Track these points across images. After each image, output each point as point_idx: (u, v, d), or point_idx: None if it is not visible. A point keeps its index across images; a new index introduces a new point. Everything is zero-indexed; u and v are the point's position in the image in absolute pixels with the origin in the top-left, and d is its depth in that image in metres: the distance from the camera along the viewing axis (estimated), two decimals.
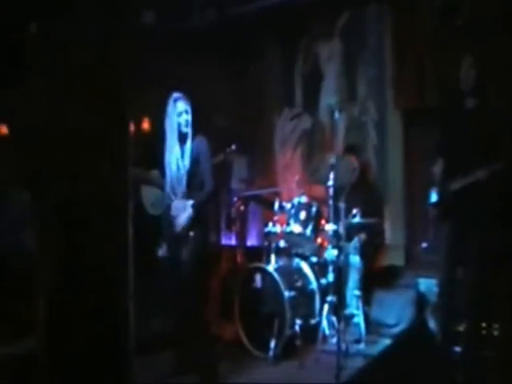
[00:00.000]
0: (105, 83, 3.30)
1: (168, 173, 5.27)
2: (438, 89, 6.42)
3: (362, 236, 6.20)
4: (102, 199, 3.26)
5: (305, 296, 5.97)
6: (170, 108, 5.20)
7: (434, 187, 5.28)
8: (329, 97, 7.42)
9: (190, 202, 5.13)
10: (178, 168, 5.20)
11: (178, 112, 5.16)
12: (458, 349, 5.14)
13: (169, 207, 5.27)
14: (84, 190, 3.23)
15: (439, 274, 5.37)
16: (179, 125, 5.17)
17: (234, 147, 6.67)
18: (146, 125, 7.47)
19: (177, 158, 5.21)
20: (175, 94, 5.21)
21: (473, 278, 5.12)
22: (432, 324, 5.65)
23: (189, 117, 5.18)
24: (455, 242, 5.18)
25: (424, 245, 6.39)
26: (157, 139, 6.90)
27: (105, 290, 3.24)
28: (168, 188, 5.27)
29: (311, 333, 5.88)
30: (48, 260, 3.26)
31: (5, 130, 5.67)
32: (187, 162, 5.19)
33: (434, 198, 5.29)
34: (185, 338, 5.19)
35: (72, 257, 3.20)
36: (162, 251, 5.27)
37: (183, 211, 5.14)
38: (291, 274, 6.03)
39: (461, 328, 5.30)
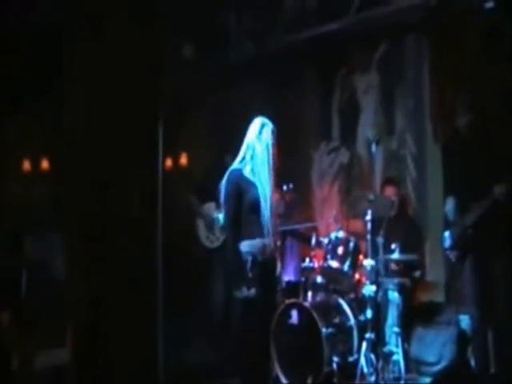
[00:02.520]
0: (136, 120, 3.30)
1: (265, 211, 4.61)
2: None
3: (401, 272, 6.07)
4: (131, 234, 3.25)
5: (343, 333, 5.88)
6: (264, 136, 4.67)
7: (447, 230, 5.22)
8: (366, 130, 7.36)
9: None
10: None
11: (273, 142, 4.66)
12: None
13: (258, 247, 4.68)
14: (113, 225, 3.22)
15: (470, 313, 5.29)
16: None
17: (291, 186, 6.04)
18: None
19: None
20: (266, 121, 4.73)
21: (503, 315, 5.03)
22: (474, 362, 5.52)
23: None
24: (480, 280, 5.08)
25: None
26: (211, 172, 6.94)
27: (133, 320, 3.22)
28: (263, 227, 4.64)
29: (349, 370, 5.78)
30: (77, 291, 3.26)
31: (44, 166, 5.73)
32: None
33: (448, 241, 5.22)
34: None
35: (102, 287, 3.19)
36: (240, 293, 4.67)
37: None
38: (328, 311, 5.95)
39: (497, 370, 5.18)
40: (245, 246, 4.61)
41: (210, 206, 6.58)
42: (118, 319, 3.34)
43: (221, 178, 6.49)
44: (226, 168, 6.51)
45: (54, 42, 4.78)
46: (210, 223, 6.55)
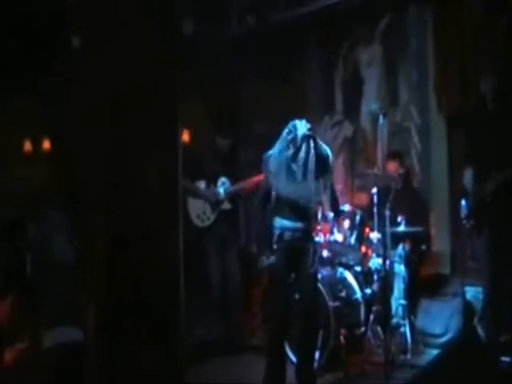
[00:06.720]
0: (156, 95, 3.26)
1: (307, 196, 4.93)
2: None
3: (407, 244, 6.08)
4: (151, 212, 3.22)
5: (349, 306, 5.88)
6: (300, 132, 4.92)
7: (464, 198, 5.18)
8: (370, 103, 7.31)
9: None
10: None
11: None
12: (506, 359, 4.99)
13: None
14: (133, 203, 3.19)
15: (483, 282, 5.27)
16: None
17: None
18: (188, 137, 7.47)
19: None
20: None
21: None
22: (482, 332, 5.53)
23: None
24: (497, 249, 5.06)
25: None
26: (202, 151, 6.87)
27: (157, 298, 3.20)
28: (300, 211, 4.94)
29: (356, 343, 5.80)
30: (94, 264, 3.24)
31: (46, 145, 5.67)
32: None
33: (464, 210, 5.19)
34: None
35: (124, 267, 3.17)
36: (262, 263, 5.06)
37: None
38: (335, 284, 5.94)
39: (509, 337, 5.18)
40: (276, 221, 4.89)
41: (200, 185, 6.54)
42: (139, 300, 3.31)
43: (212, 156, 6.51)
44: (218, 147, 6.57)
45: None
46: (204, 201, 6.52)
